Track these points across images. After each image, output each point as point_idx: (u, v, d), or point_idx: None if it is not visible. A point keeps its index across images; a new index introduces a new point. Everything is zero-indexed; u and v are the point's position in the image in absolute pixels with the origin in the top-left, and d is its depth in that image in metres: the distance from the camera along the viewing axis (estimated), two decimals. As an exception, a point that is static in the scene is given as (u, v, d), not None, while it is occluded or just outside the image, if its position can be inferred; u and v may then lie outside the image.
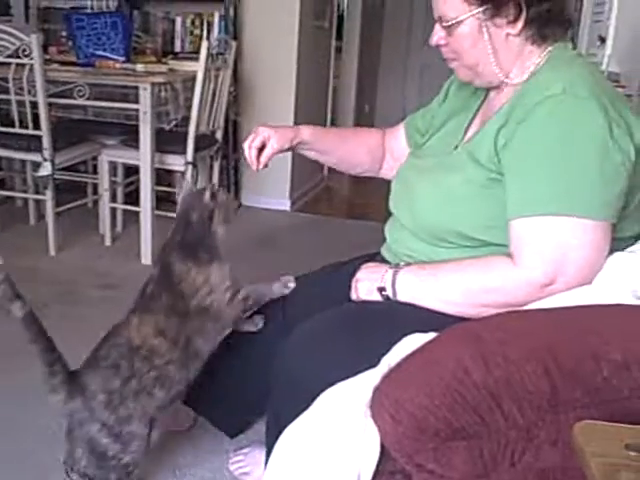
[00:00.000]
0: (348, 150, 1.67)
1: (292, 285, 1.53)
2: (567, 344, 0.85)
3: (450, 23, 1.27)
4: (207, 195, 1.49)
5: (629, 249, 1.16)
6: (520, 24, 1.24)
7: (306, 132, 1.58)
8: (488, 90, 1.41)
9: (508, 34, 1.26)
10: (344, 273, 1.46)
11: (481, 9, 1.24)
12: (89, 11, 3.70)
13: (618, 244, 1.20)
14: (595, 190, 1.14)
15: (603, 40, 2.50)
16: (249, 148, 1.52)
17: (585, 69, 1.23)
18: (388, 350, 1.11)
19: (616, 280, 1.09)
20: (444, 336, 0.91)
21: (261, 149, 1.52)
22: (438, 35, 1.32)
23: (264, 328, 1.57)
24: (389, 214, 1.53)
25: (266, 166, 1.54)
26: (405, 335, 1.13)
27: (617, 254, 1.16)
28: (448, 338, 0.90)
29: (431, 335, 1.04)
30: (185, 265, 1.45)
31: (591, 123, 1.14)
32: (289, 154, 4.20)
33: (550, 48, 1.28)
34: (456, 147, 1.37)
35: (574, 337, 0.86)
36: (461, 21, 1.26)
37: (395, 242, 1.46)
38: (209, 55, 3.22)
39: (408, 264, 1.34)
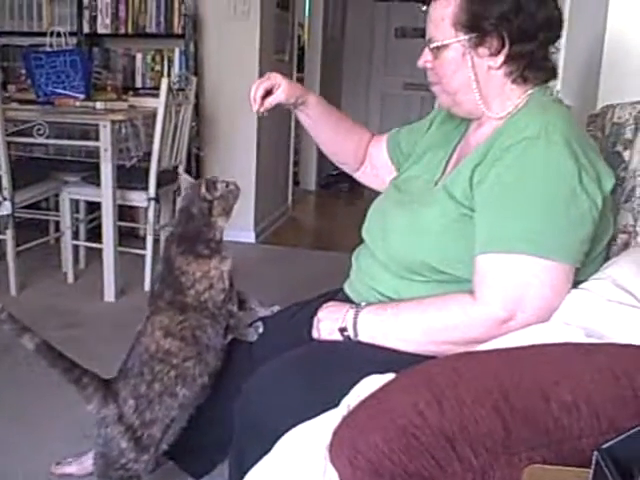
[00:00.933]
0: (341, 134, 1.68)
1: (261, 330, 1.54)
2: (518, 385, 0.86)
3: (437, 45, 1.31)
4: (204, 187, 1.49)
5: (581, 286, 1.19)
6: (501, 58, 1.28)
7: (313, 98, 1.61)
8: (468, 125, 1.44)
9: (490, 67, 1.29)
10: (309, 312, 1.46)
11: (467, 37, 1.28)
12: (48, 49, 3.68)
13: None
14: (560, 233, 1.18)
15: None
16: (256, 86, 1.51)
17: (561, 115, 1.27)
18: (348, 391, 1.12)
19: (568, 318, 1.12)
20: (399, 379, 0.93)
21: (267, 95, 1.52)
22: (425, 58, 1.36)
23: (230, 368, 1.56)
24: (360, 242, 1.54)
25: (265, 112, 1.53)
26: (365, 376, 1.13)
27: (571, 291, 1.19)
28: (403, 382, 0.91)
29: (389, 376, 1.05)
30: (185, 258, 1.47)
31: (561, 168, 1.17)
32: (252, 186, 4.23)
33: (530, 91, 1.32)
34: (436, 183, 1.40)
35: (525, 378, 0.88)
36: (447, 45, 1.30)
37: (360, 270, 1.48)
38: (170, 91, 3.24)
39: (369, 304, 1.35)
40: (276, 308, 1.55)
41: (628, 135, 1.44)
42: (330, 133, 1.67)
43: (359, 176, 1.74)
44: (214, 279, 1.46)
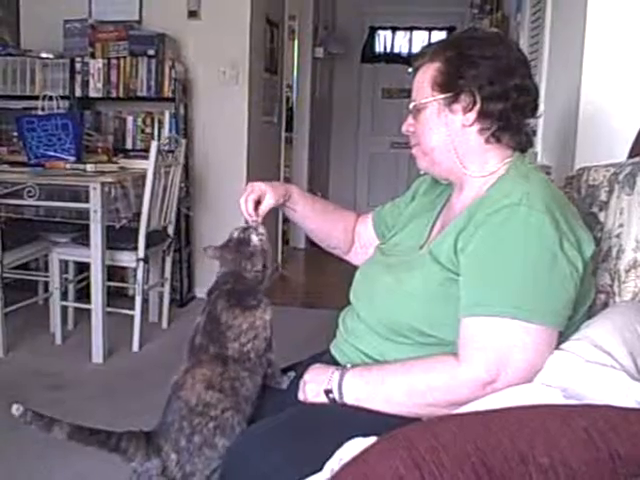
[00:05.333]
0: (328, 221, 1.72)
1: (292, 377, 1.53)
2: (496, 448, 0.87)
3: (416, 105, 1.39)
4: (256, 241, 1.50)
5: (560, 346, 1.21)
6: (473, 115, 1.33)
7: (295, 190, 1.65)
8: (451, 192, 1.48)
9: (463, 124, 1.34)
10: (298, 373, 1.47)
11: (442, 96, 1.35)
12: (40, 112, 3.75)
13: None
14: (543, 297, 1.20)
15: (534, 134, 2.64)
16: (245, 202, 1.54)
17: (542, 183, 1.31)
18: (332, 455, 1.12)
19: (547, 379, 1.13)
20: (379, 444, 0.93)
21: (256, 204, 1.55)
22: (408, 122, 1.43)
23: None
24: (349, 302, 1.56)
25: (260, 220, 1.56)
26: (349, 439, 1.14)
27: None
28: (383, 446, 0.92)
29: (372, 439, 1.05)
30: (232, 312, 1.46)
31: (543, 234, 1.20)
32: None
33: (509, 159, 1.36)
34: (421, 247, 1.43)
35: (503, 441, 0.88)
36: (425, 105, 1.37)
37: (347, 331, 1.49)
38: (159, 153, 3.29)
39: (354, 366, 1.37)
40: (292, 374, 1.55)
41: (603, 197, 1.48)
42: (318, 220, 1.71)
43: (351, 257, 1.76)
44: (259, 329, 1.46)
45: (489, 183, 1.35)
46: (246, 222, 1.55)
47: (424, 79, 1.38)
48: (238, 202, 1.55)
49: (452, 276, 1.29)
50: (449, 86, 1.34)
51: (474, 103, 1.32)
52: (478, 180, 1.37)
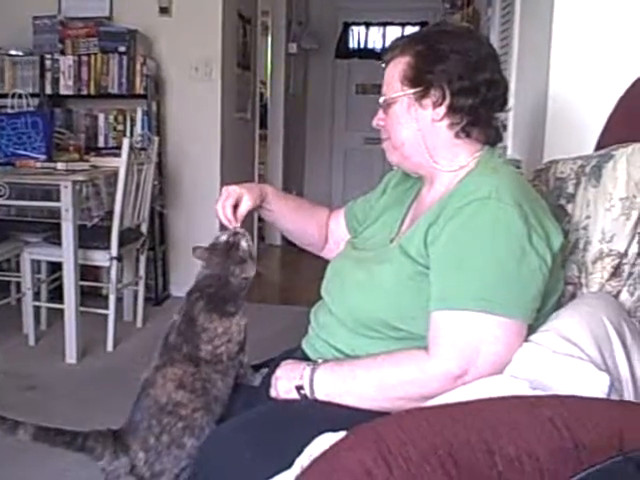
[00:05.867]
0: (302, 218, 1.72)
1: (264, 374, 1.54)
2: (463, 440, 0.88)
3: (386, 100, 1.40)
4: (245, 247, 1.48)
5: (528, 338, 1.22)
6: (443, 110, 1.34)
7: (269, 190, 1.63)
8: (421, 185, 1.48)
9: (433, 119, 1.35)
10: (271, 370, 1.47)
11: (412, 90, 1.36)
12: (10, 110, 3.71)
13: None
14: (511, 290, 1.21)
15: (505, 128, 2.67)
16: (223, 207, 1.51)
17: (511, 177, 1.32)
18: (302, 451, 1.13)
19: (514, 370, 1.15)
20: (348, 439, 0.93)
21: (234, 208, 1.53)
22: (378, 116, 1.44)
23: None
24: (320, 298, 1.56)
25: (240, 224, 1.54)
26: (319, 435, 1.14)
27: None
28: (351, 441, 0.92)
29: (342, 434, 1.06)
30: (210, 316, 1.45)
31: (511, 227, 1.21)
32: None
33: (478, 153, 1.37)
34: (392, 241, 1.43)
35: (470, 432, 0.89)
36: (395, 99, 1.38)
37: (319, 326, 1.49)
38: (131, 151, 3.27)
39: (326, 361, 1.37)
40: (264, 371, 1.55)
41: (570, 189, 1.50)
42: (292, 219, 1.71)
43: (325, 254, 1.76)
44: (234, 334, 1.46)
45: (459, 177, 1.36)
46: (221, 227, 1.54)
47: (394, 73, 1.38)
48: (214, 208, 1.52)
49: (422, 269, 1.29)
50: (419, 81, 1.35)
51: (443, 98, 1.33)
52: (448, 174, 1.38)
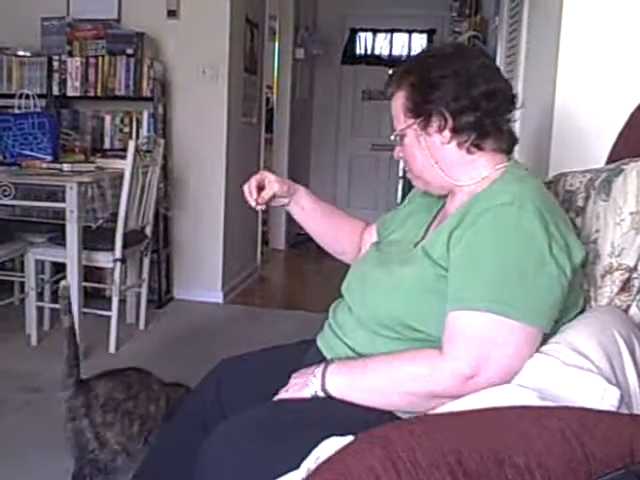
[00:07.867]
0: (336, 224, 1.75)
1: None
2: (473, 448, 0.88)
3: (397, 133, 1.44)
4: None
5: (539, 349, 1.22)
6: (447, 133, 1.37)
7: (303, 188, 1.70)
8: (447, 197, 1.51)
9: (442, 143, 1.39)
10: (282, 358, 1.52)
11: (416, 121, 1.40)
12: (17, 110, 3.71)
13: None
14: (528, 296, 1.22)
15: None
16: (249, 184, 1.60)
17: (535, 187, 1.33)
18: (309, 453, 1.12)
19: (523, 380, 1.14)
20: (357, 443, 0.93)
21: (260, 191, 1.61)
22: (398, 148, 1.48)
23: (198, 410, 1.58)
24: (335, 298, 1.60)
25: (264, 207, 1.64)
26: (326, 437, 1.14)
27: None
28: (360, 445, 0.92)
29: (349, 439, 1.06)
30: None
31: (532, 233, 1.23)
32: (220, 245, 4.23)
33: (502, 165, 1.39)
34: (416, 245, 1.45)
35: (480, 441, 0.89)
36: (404, 132, 1.42)
37: (337, 324, 1.51)
38: (137, 153, 3.27)
39: (339, 359, 1.40)
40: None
41: (580, 203, 1.49)
42: (325, 222, 1.74)
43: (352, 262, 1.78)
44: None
45: (483, 186, 1.38)
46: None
47: (397, 107, 1.44)
48: (242, 188, 1.61)
49: (443, 273, 1.31)
50: (419, 111, 1.39)
51: (446, 121, 1.37)
52: (471, 186, 1.41)
